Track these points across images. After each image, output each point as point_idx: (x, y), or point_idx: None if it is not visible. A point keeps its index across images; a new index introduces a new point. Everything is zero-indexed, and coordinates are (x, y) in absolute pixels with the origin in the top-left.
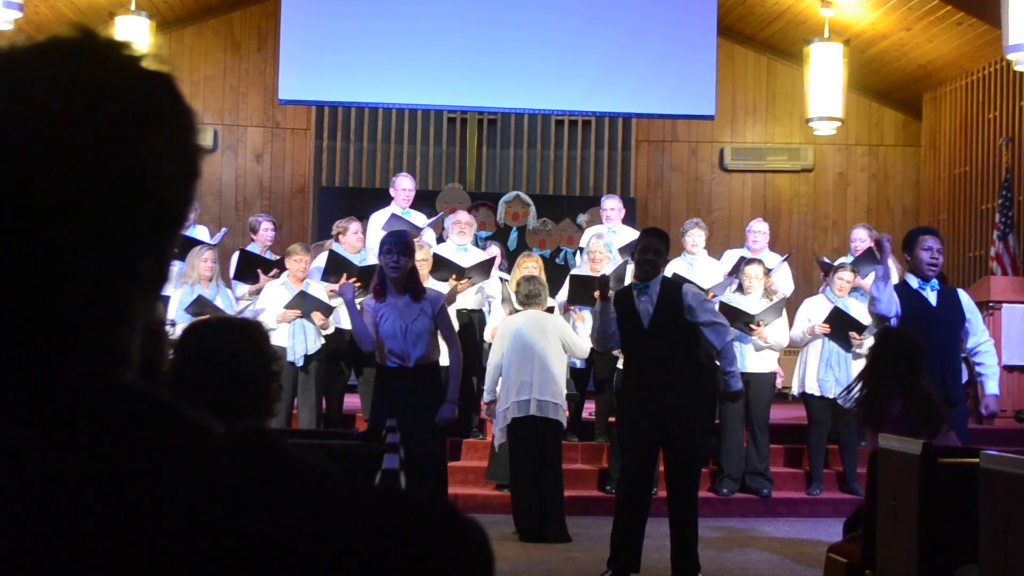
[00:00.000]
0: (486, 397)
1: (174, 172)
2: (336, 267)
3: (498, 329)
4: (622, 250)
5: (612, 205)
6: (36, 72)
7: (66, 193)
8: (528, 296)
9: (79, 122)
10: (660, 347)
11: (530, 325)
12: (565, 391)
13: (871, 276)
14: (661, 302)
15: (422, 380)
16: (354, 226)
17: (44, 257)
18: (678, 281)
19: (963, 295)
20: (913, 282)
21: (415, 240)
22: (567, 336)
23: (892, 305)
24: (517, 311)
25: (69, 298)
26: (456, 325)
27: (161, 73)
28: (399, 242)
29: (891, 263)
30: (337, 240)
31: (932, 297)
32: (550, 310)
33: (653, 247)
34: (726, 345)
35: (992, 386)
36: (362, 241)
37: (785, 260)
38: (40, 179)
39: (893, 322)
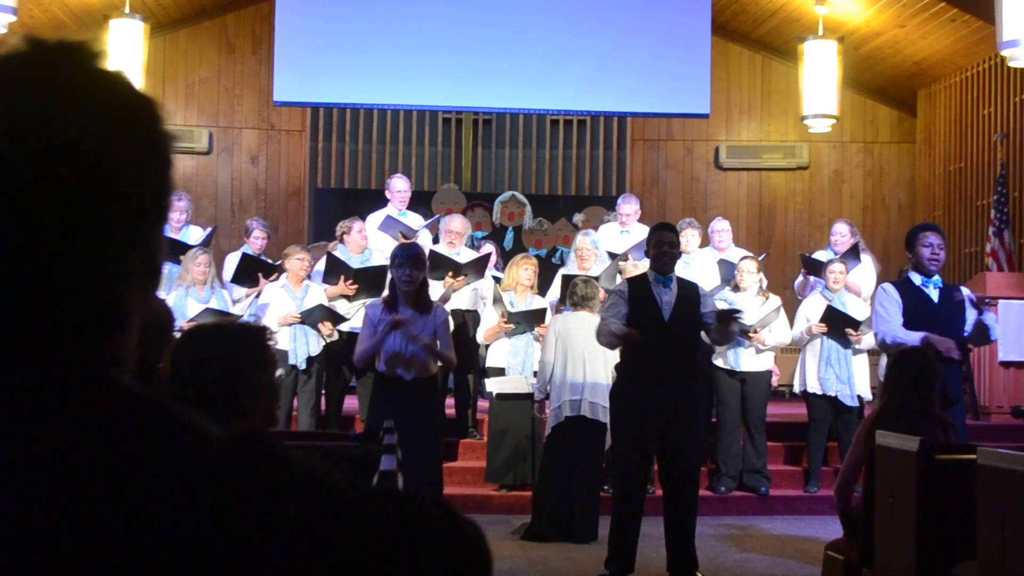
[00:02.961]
0: (538, 396)
1: (145, 165)
2: (334, 269)
3: (550, 327)
4: (633, 250)
5: (628, 211)
6: None
7: (42, 201)
8: (584, 298)
9: (43, 134)
10: (677, 340)
11: (583, 327)
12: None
13: (852, 273)
14: (681, 295)
15: (418, 391)
16: (358, 225)
17: (32, 264)
18: (691, 281)
19: (965, 292)
20: (916, 279)
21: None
22: None
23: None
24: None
25: (62, 302)
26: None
27: (114, 72)
28: (411, 255)
29: (870, 259)
30: (342, 240)
31: (934, 294)
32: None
33: (668, 240)
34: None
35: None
36: (367, 240)
37: (763, 258)
38: (13, 191)
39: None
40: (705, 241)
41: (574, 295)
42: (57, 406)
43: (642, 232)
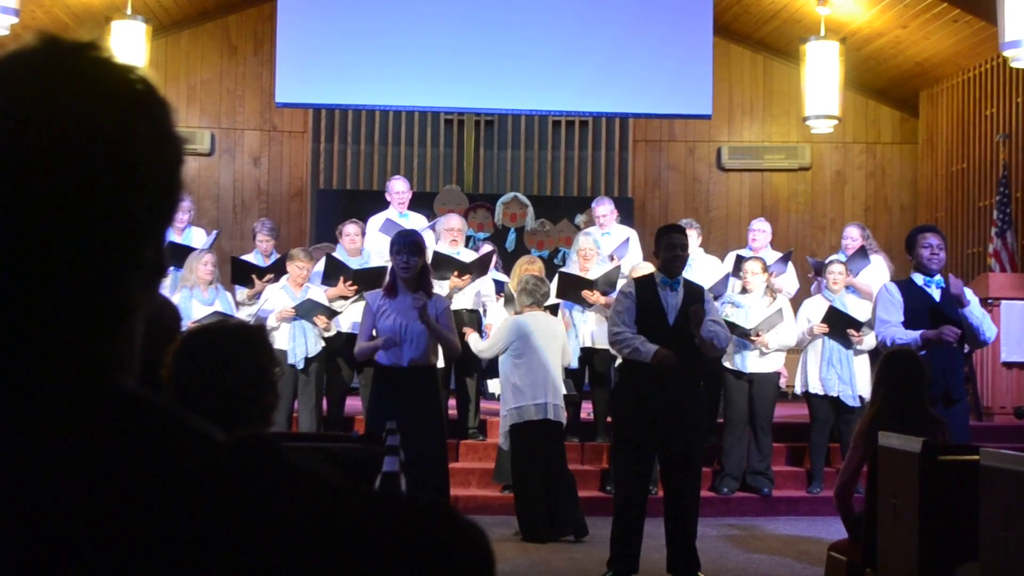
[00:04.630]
0: (482, 354)
1: (158, 156)
2: (334, 270)
3: (506, 322)
4: (618, 250)
5: (603, 212)
6: (12, 83)
7: (57, 188)
8: (545, 296)
9: (65, 123)
10: (682, 343)
11: (541, 327)
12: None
13: (863, 274)
14: (686, 298)
15: (418, 381)
16: (347, 228)
17: (45, 257)
18: (697, 283)
19: (967, 291)
20: (918, 279)
21: None
22: (565, 342)
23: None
24: (520, 312)
25: (70, 296)
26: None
27: (131, 67)
28: (408, 242)
29: (882, 259)
30: (341, 242)
31: (936, 294)
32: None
33: (680, 242)
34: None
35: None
36: (356, 243)
37: (784, 258)
38: (31, 179)
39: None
40: (708, 242)
41: (536, 293)
42: (58, 412)
43: (622, 232)
